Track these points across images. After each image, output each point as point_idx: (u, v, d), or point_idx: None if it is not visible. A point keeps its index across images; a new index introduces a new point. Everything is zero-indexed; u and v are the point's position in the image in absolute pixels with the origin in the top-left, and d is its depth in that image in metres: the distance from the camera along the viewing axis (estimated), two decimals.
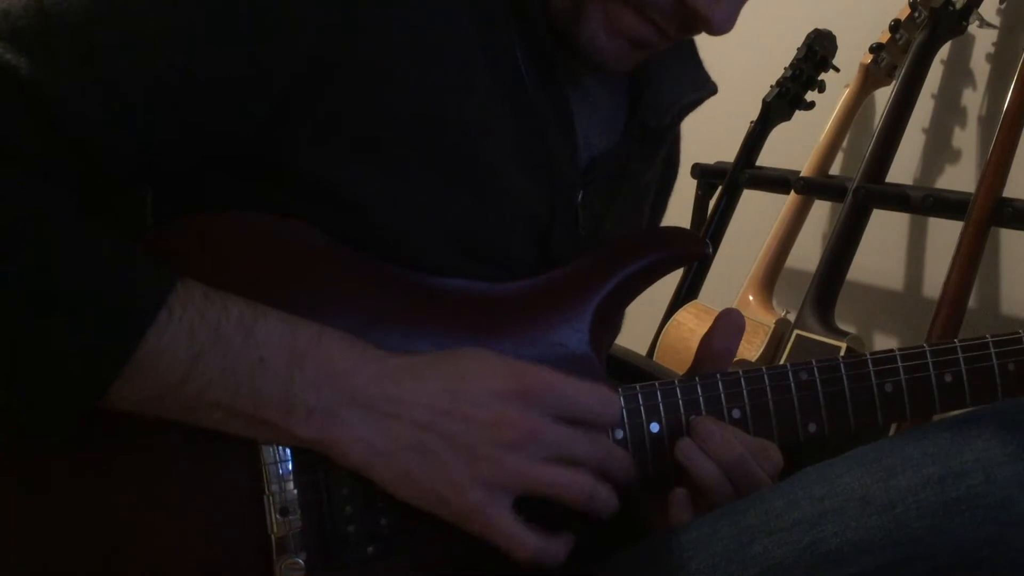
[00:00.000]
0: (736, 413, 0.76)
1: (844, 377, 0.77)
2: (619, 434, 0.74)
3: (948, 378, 0.77)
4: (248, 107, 0.68)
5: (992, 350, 0.78)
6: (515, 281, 0.77)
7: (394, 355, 0.68)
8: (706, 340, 0.79)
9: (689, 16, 0.73)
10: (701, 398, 0.76)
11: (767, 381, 0.76)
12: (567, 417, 0.69)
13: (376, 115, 0.70)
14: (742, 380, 0.76)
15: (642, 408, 0.75)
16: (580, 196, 0.81)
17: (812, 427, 0.77)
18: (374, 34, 0.69)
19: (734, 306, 1.74)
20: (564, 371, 0.72)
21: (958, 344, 0.78)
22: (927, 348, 0.78)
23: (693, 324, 1.73)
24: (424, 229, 0.73)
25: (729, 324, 0.80)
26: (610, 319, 0.79)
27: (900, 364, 0.77)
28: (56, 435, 0.67)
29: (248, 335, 0.64)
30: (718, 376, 0.76)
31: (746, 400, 0.76)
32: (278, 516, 0.67)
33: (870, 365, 0.77)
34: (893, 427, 1.54)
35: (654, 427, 0.75)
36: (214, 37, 0.65)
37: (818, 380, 0.77)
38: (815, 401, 0.77)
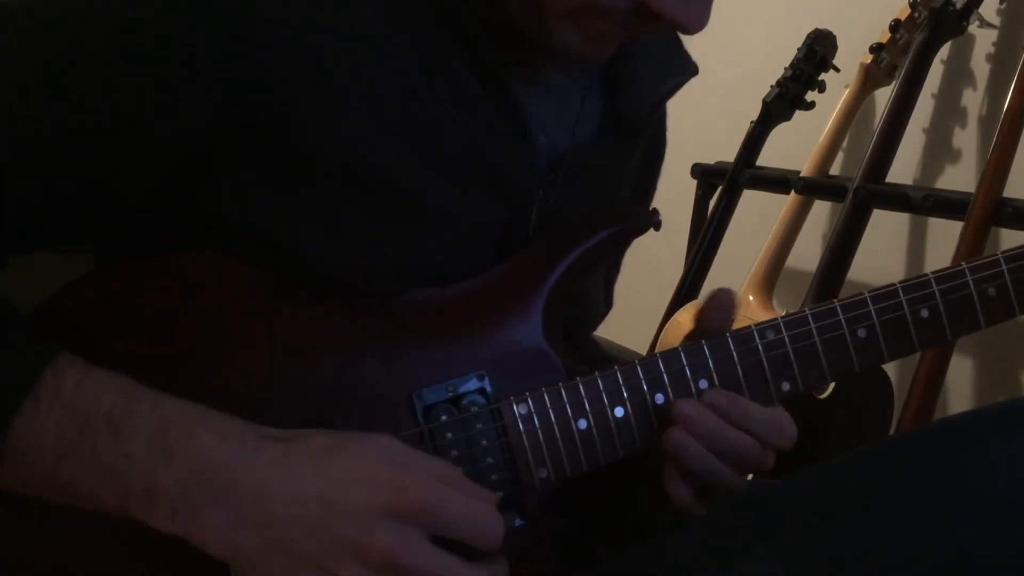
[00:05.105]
0: (703, 384, 0.73)
1: (813, 330, 0.74)
2: (583, 424, 0.72)
3: (924, 313, 0.74)
4: (155, 166, 0.68)
5: (969, 277, 0.75)
6: (462, 283, 0.75)
7: (274, 442, 0.65)
8: (704, 320, 0.76)
9: (655, 18, 0.69)
10: (664, 374, 0.74)
11: (732, 346, 0.74)
12: (447, 538, 0.65)
13: (293, 164, 0.69)
14: (705, 349, 0.74)
15: (604, 394, 0.73)
16: (539, 197, 0.78)
17: (786, 386, 0.74)
18: (285, 81, 0.67)
19: None
20: (523, 368, 0.72)
21: (932, 276, 0.75)
22: (899, 285, 0.75)
23: (693, 324, 1.73)
24: (367, 266, 0.71)
25: (720, 304, 0.76)
26: (565, 302, 0.77)
27: (872, 307, 0.74)
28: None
29: (116, 430, 0.63)
30: (680, 349, 0.74)
31: (712, 369, 0.74)
32: None
33: (839, 313, 0.74)
34: (894, 425, 1.55)
35: (618, 411, 0.73)
36: (112, 105, 0.66)
37: (786, 337, 0.74)
38: (785, 359, 0.74)
